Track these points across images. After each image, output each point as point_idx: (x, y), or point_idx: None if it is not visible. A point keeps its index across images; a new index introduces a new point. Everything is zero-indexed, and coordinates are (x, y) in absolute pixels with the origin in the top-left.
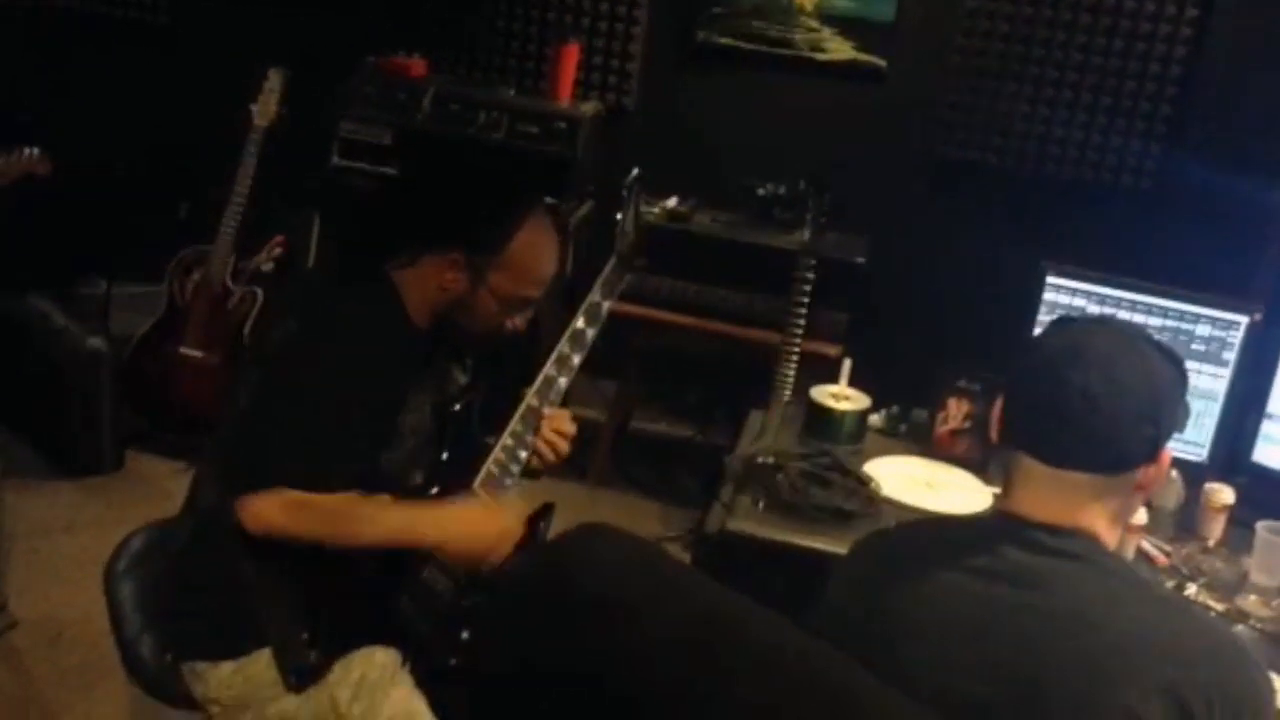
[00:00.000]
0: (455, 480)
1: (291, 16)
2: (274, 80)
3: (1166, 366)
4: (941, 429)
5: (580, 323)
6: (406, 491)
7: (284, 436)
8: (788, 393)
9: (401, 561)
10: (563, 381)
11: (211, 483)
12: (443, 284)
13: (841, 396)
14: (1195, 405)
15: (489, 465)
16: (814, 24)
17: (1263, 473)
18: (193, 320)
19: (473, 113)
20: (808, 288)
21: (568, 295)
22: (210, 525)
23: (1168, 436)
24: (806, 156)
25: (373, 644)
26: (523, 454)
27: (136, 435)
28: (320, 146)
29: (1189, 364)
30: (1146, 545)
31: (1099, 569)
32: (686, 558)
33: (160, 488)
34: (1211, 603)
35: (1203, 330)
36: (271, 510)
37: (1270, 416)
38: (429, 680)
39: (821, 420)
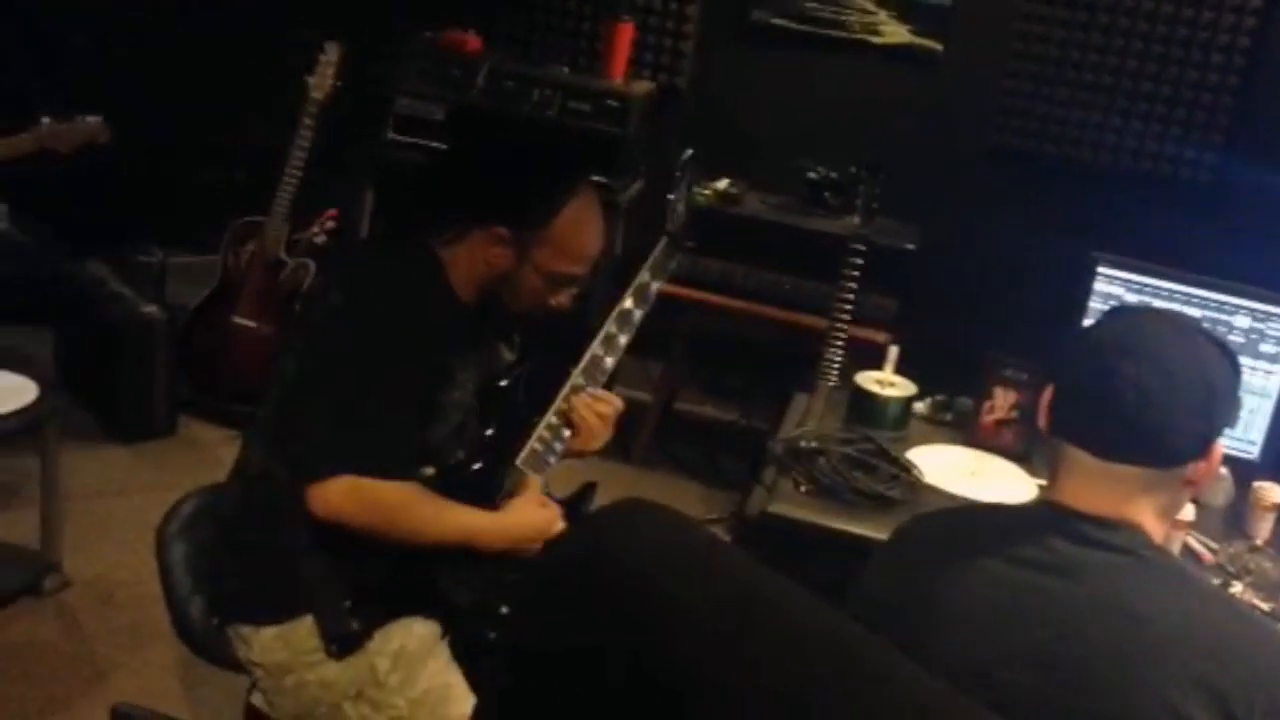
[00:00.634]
0: (499, 457)
1: None
2: (331, 53)
3: (1221, 360)
4: (987, 418)
5: (628, 303)
6: (450, 467)
7: (336, 416)
8: (833, 378)
9: None
10: (609, 361)
11: (259, 450)
12: (488, 259)
13: (887, 383)
14: (1249, 402)
15: (533, 443)
16: (870, 6)
17: None
18: (246, 290)
19: (526, 90)
20: (856, 273)
21: (618, 274)
22: (257, 492)
23: (1219, 432)
24: (859, 141)
25: (413, 615)
26: (566, 433)
27: (189, 402)
28: (375, 121)
29: (1242, 360)
30: (1193, 542)
31: (1144, 562)
32: (728, 540)
33: (211, 454)
34: (1257, 602)
35: (1254, 325)
36: (342, 499)
37: None
38: (467, 653)
39: (866, 406)
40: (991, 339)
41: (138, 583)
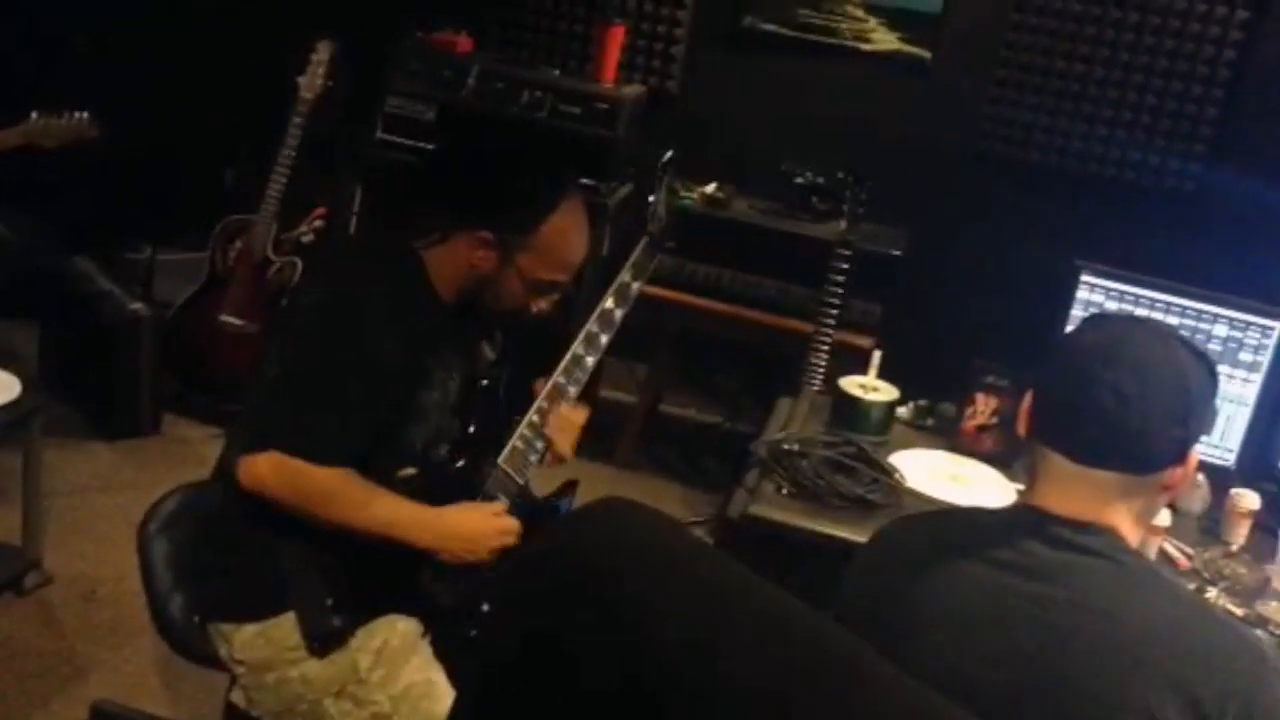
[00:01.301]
0: (481, 455)
1: None
2: (322, 52)
3: (1198, 368)
4: (968, 424)
5: (609, 303)
6: (431, 466)
7: (295, 402)
8: (817, 382)
9: None
10: (590, 360)
11: (241, 447)
12: (471, 261)
13: (870, 387)
14: (1225, 410)
15: (514, 442)
16: (860, 13)
17: None
18: (234, 288)
19: (516, 91)
20: (842, 278)
21: (605, 276)
22: (238, 491)
23: (1196, 439)
24: (846, 146)
25: (395, 613)
26: (549, 431)
27: (174, 399)
28: (365, 120)
29: (1221, 368)
30: (1169, 547)
31: (1120, 565)
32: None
33: (195, 452)
34: (1232, 607)
35: (1232, 334)
36: (266, 470)
37: None
38: (449, 651)
39: (849, 410)
40: (974, 345)
41: (119, 580)
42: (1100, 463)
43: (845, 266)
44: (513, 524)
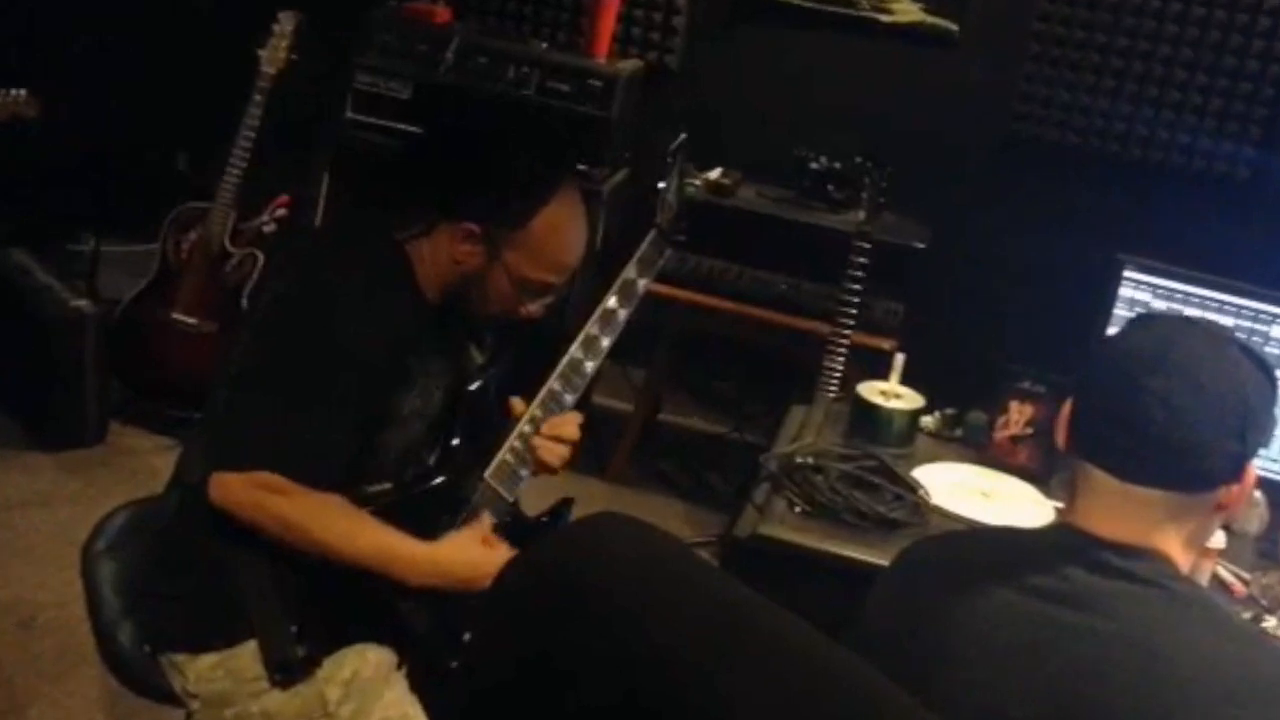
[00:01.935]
0: (466, 469)
1: None
2: (285, 24)
3: (1256, 374)
4: (1001, 434)
5: (612, 301)
6: (407, 479)
7: (270, 407)
8: (834, 388)
9: None
10: (589, 365)
11: (199, 459)
12: (455, 256)
13: (892, 394)
14: None
15: (503, 454)
16: None
17: None
18: (187, 283)
19: (500, 67)
20: (861, 274)
21: (599, 269)
22: (196, 505)
23: (1254, 452)
24: (865, 128)
25: (367, 641)
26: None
27: (122, 406)
28: (333, 99)
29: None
30: (1223, 572)
31: (1169, 594)
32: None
33: (145, 464)
34: None
35: None
36: (241, 491)
37: None
38: (427, 684)
39: (869, 419)
40: (1007, 348)
41: (61, 606)
42: (1148, 480)
43: (864, 261)
44: (505, 553)
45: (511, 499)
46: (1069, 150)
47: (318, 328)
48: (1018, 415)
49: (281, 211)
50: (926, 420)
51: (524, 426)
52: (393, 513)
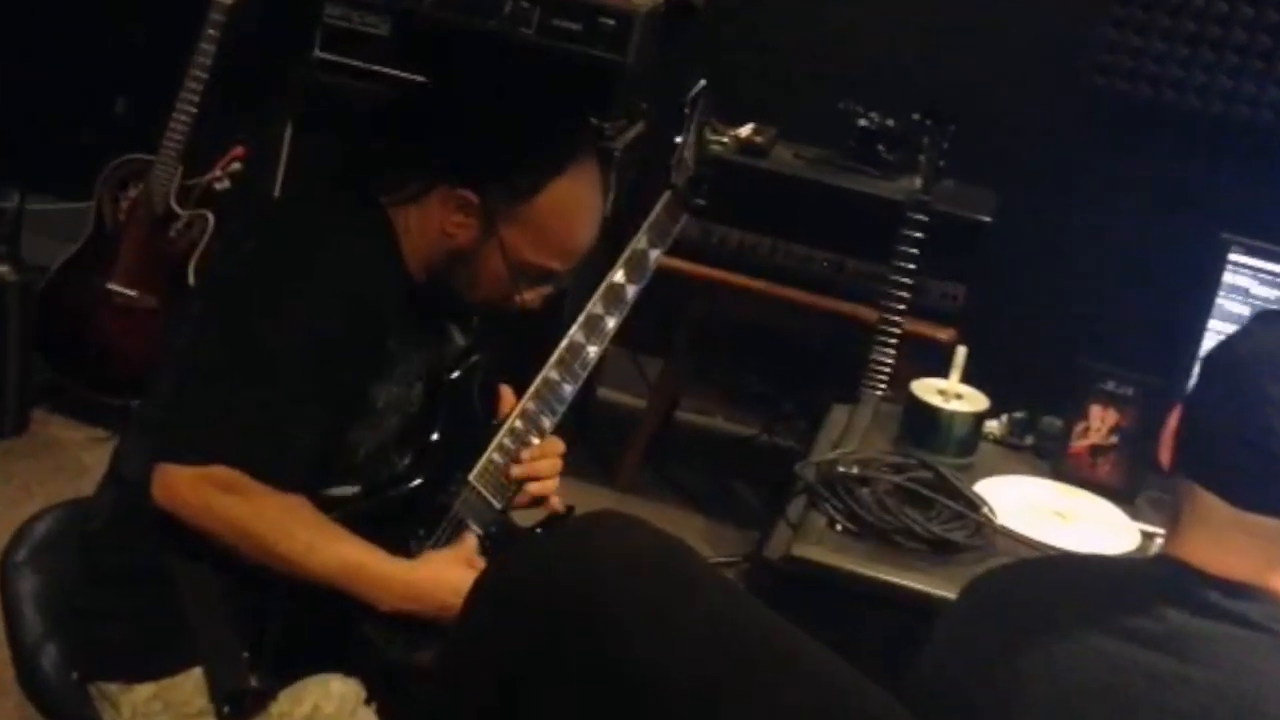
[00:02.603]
0: (447, 471)
1: None
2: None
3: None
4: (1079, 444)
5: (619, 275)
6: (382, 483)
7: (225, 392)
8: (882, 385)
9: None
10: (592, 351)
11: (138, 452)
12: (445, 228)
13: (952, 394)
14: None
15: (490, 454)
16: None
17: None
18: (125, 248)
19: (496, 0)
20: (916, 250)
21: (609, 239)
22: (134, 506)
23: None
24: (924, 80)
25: (330, 671)
26: (534, 440)
27: (47, 391)
28: (298, 35)
29: None
30: None
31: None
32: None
33: (73, 458)
34: None
35: None
36: (190, 485)
37: None
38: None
39: (924, 423)
40: (1087, 342)
41: None
42: (1269, 508)
43: (920, 235)
44: None
45: (500, 506)
46: (1164, 110)
47: (284, 299)
48: (1099, 422)
49: (236, 166)
50: (991, 425)
51: (515, 422)
52: (361, 520)
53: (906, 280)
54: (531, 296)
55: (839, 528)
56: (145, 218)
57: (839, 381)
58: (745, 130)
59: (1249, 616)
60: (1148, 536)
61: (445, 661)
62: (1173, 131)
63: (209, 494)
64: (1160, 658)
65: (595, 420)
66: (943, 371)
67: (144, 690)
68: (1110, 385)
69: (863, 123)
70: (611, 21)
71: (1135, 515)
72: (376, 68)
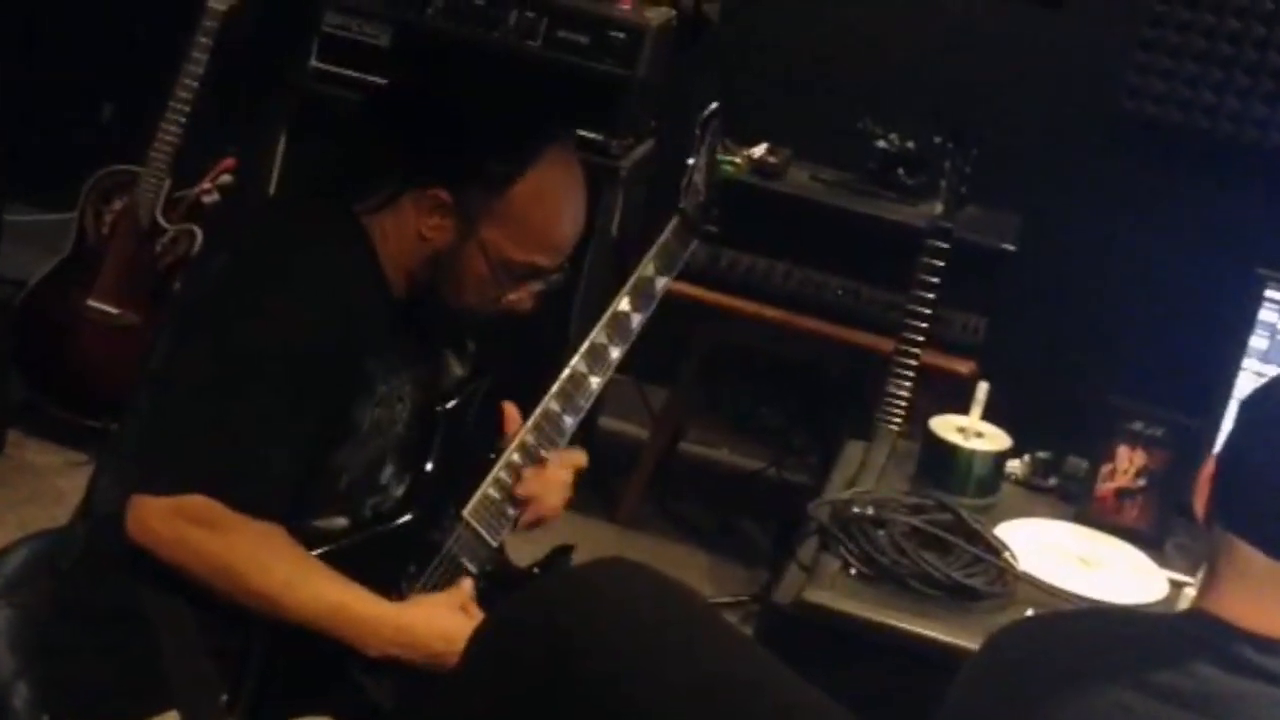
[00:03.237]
0: (440, 505)
1: None
2: None
3: None
4: (1105, 486)
5: (624, 304)
6: (366, 515)
7: (199, 416)
8: (898, 420)
9: None
10: (594, 382)
11: (112, 484)
12: (422, 231)
13: (972, 432)
14: None
15: (487, 488)
16: None
17: None
18: (109, 264)
19: (501, 10)
20: (936, 279)
21: (614, 264)
22: (107, 540)
23: None
24: (946, 100)
25: (313, 715)
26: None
27: (22, 412)
28: (295, 43)
29: None
30: None
31: None
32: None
33: (49, 485)
34: None
35: None
36: (162, 518)
37: None
38: None
39: (943, 462)
40: (1114, 377)
41: None
42: None
43: (940, 263)
44: None
45: (495, 543)
46: (1196, 136)
47: (257, 317)
48: (1127, 463)
49: (226, 178)
50: (1013, 465)
51: (513, 455)
52: (347, 557)
53: (925, 310)
54: (520, 297)
55: (853, 571)
56: (130, 231)
57: (853, 415)
58: (759, 150)
59: None
60: (1176, 585)
61: (441, 714)
62: (1205, 159)
63: (182, 528)
64: (1190, 716)
65: (596, 451)
66: (963, 407)
67: None
68: (1139, 425)
69: (882, 144)
70: (621, 35)
71: (1163, 562)
72: (375, 79)
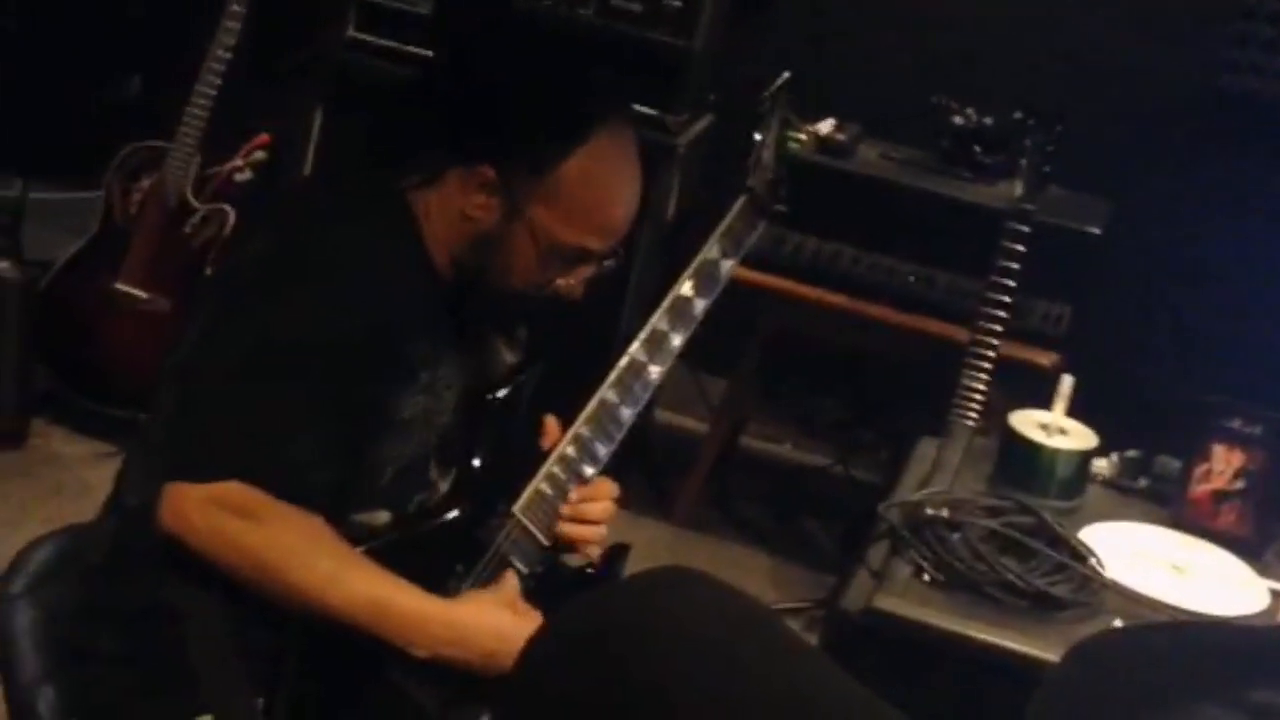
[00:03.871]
0: (489, 501)
1: None
2: None
3: None
4: (1200, 488)
5: (687, 288)
6: (410, 509)
7: (235, 402)
8: (975, 416)
9: None
10: (654, 371)
11: (142, 475)
12: (466, 211)
13: (1055, 428)
14: None
15: (539, 483)
16: None
17: None
18: (137, 245)
19: None
20: (1016, 265)
21: (669, 246)
22: (137, 534)
23: None
24: (1027, 74)
25: None
26: (588, 470)
27: (47, 400)
28: (332, 12)
29: None
30: None
31: None
32: (811, 641)
33: (75, 477)
34: None
35: None
36: (199, 507)
37: None
38: None
39: (1024, 461)
40: (1210, 373)
41: None
42: None
43: (1021, 248)
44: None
45: (548, 543)
46: None
47: (296, 302)
48: (1223, 464)
49: (259, 155)
50: (1099, 464)
51: (567, 449)
52: (392, 553)
53: (1004, 298)
54: (570, 282)
55: (926, 578)
56: (158, 211)
57: (925, 410)
58: (825, 126)
59: None
60: (1277, 595)
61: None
62: None
63: (219, 518)
64: None
65: (651, 445)
66: (1044, 402)
67: None
68: (1236, 422)
69: (958, 120)
70: (678, 3)
71: (1263, 571)
72: (416, 50)
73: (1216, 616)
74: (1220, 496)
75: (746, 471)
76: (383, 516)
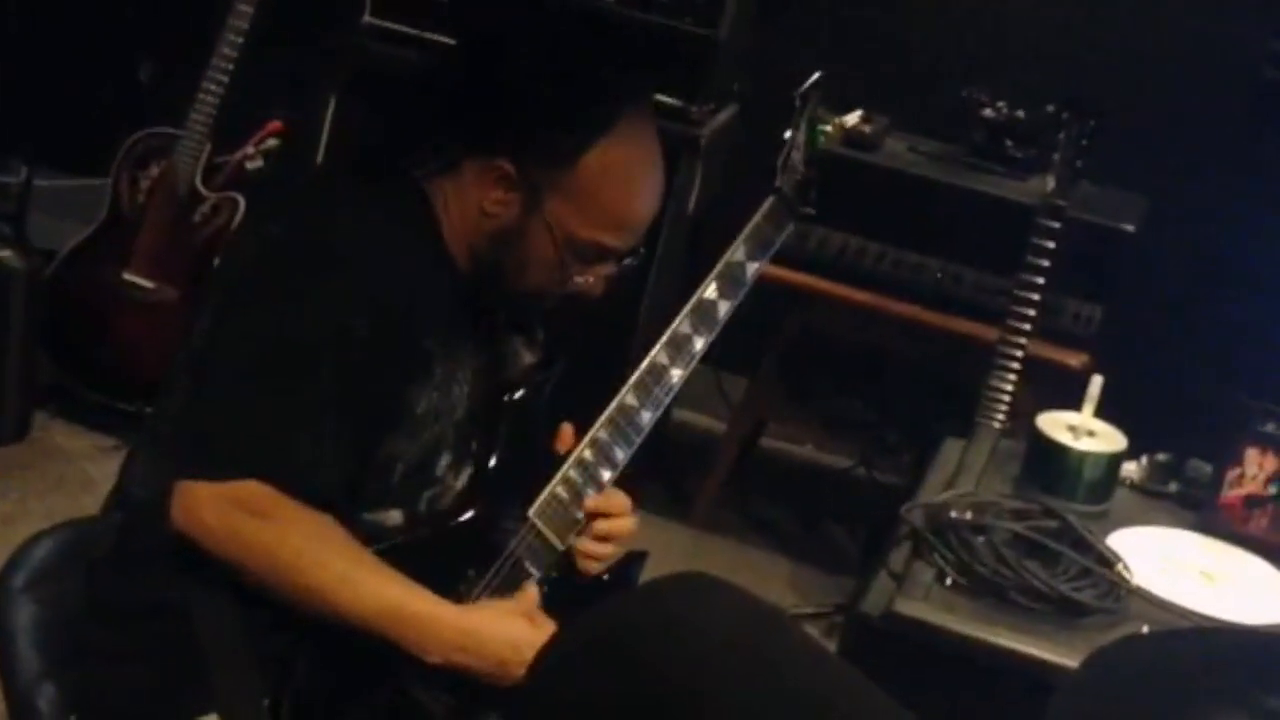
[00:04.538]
0: (504, 503)
1: None
2: None
3: None
4: (1232, 493)
5: (711, 290)
6: (422, 509)
7: (244, 397)
8: (1002, 417)
9: None
10: (675, 374)
11: (149, 469)
12: (484, 205)
13: (1084, 430)
14: None
15: (555, 487)
16: None
17: None
18: (145, 234)
19: None
20: (1046, 263)
21: (692, 243)
22: (142, 530)
23: None
24: (1060, 66)
25: None
26: (605, 474)
27: (51, 392)
28: None
29: None
30: None
31: None
32: (831, 646)
33: (78, 470)
34: None
35: None
36: (213, 505)
37: None
38: None
39: (1051, 463)
40: (1243, 375)
41: None
42: None
43: (1052, 246)
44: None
45: (563, 547)
46: None
47: (308, 294)
48: (1257, 468)
49: (271, 143)
50: (1129, 468)
51: (585, 452)
52: (403, 555)
53: (1034, 296)
54: (589, 280)
55: (949, 582)
56: (168, 199)
57: (951, 411)
58: (852, 118)
59: None
60: None
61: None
62: None
63: (233, 517)
64: None
65: (669, 445)
66: (1073, 404)
67: None
68: (1270, 426)
69: (988, 113)
70: None
71: None
72: (434, 36)
73: (1247, 625)
74: (1253, 502)
75: (767, 473)
76: (394, 516)
